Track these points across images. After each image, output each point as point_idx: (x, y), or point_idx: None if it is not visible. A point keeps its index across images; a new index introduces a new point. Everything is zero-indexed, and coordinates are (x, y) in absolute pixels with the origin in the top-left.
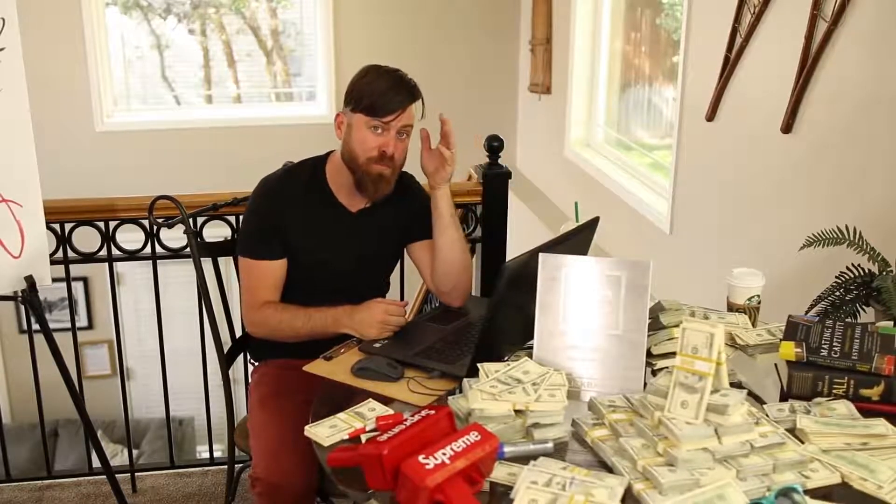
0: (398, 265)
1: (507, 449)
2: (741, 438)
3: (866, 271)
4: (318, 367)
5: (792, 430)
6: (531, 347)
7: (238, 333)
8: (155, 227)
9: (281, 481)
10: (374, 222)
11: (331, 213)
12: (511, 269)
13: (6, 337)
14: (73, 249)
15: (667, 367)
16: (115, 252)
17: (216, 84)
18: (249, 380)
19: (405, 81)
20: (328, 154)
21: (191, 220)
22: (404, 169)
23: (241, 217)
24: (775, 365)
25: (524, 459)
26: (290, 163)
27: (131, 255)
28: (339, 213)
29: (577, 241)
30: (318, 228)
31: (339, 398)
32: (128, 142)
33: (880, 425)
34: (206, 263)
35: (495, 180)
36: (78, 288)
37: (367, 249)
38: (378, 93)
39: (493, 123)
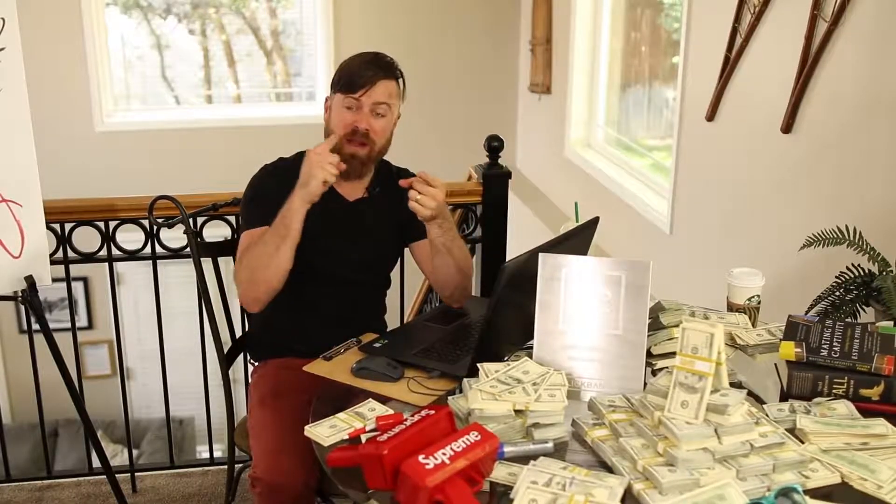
0: (398, 264)
1: (507, 449)
2: (741, 438)
3: (866, 271)
4: (317, 367)
5: (792, 430)
6: (531, 347)
7: (238, 333)
8: (155, 227)
9: (281, 481)
10: (370, 212)
11: (327, 199)
12: (511, 269)
13: (6, 337)
14: (73, 249)
15: (667, 367)
16: (115, 252)
17: (216, 84)
18: (249, 380)
19: (379, 58)
20: None
21: (191, 220)
22: (406, 166)
23: (240, 217)
24: (775, 365)
25: (524, 459)
26: None
27: (131, 255)
28: (335, 200)
29: (577, 241)
30: (315, 213)
31: (339, 398)
32: (128, 142)
33: (880, 425)
34: (206, 263)
35: (495, 180)
36: (78, 288)
37: (365, 239)
38: (351, 69)
39: (493, 123)
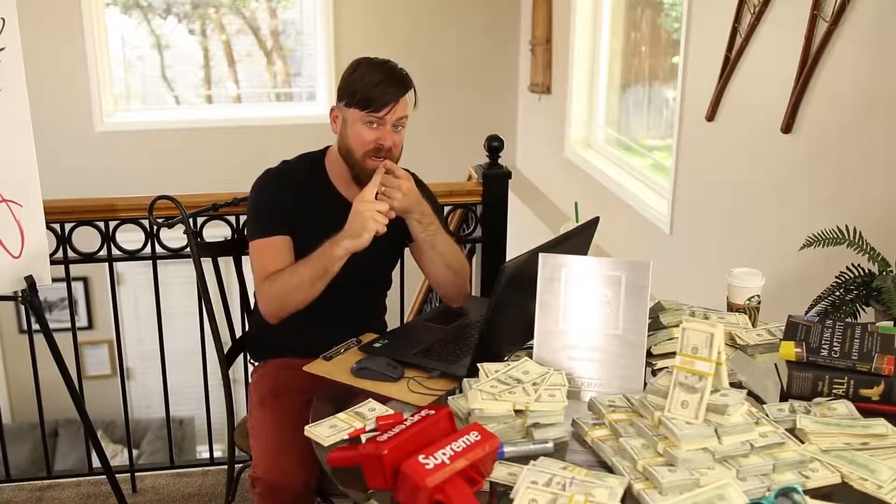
0: (399, 264)
1: (507, 449)
2: (741, 438)
3: (866, 271)
4: (317, 367)
5: (792, 430)
6: (531, 347)
7: (238, 333)
8: (155, 227)
9: (281, 481)
10: None
11: (331, 202)
12: (511, 269)
13: (6, 337)
14: (73, 249)
15: (667, 367)
16: (115, 252)
17: (216, 84)
18: (249, 380)
19: (396, 72)
20: (326, 148)
21: (191, 220)
22: (406, 166)
23: (241, 217)
24: (775, 365)
25: (524, 459)
26: None
27: (131, 255)
28: (339, 203)
29: (577, 241)
30: (318, 216)
31: (339, 398)
32: (128, 142)
33: (880, 425)
34: (206, 263)
35: (495, 180)
36: (78, 288)
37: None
38: (370, 86)
39: (493, 123)
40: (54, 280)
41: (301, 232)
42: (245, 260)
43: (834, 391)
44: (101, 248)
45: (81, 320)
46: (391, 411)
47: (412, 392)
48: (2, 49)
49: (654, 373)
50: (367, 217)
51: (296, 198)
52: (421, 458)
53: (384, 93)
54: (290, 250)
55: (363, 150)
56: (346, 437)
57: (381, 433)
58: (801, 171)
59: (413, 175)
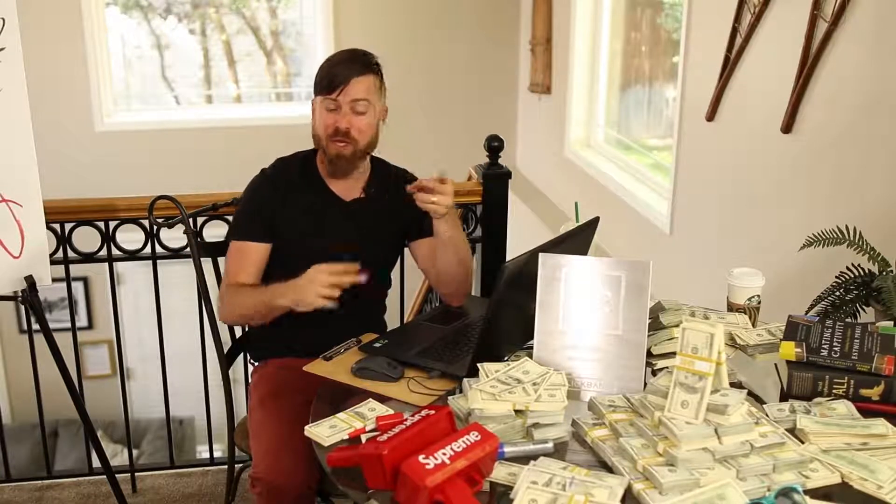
0: (398, 264)
1: (507, 449)
2: (741, 438)
3: (866, 271)
4: (317, 367)
5: (792, 430)
6: (531, 347)
7: (238, 333)
8: (155, 227)
9: (281, 481)
10: (368, 212)
11: (323, 200)
12: (511, 269)
13: (6, 337)
14: (73, 249)
15: (667, 367)
16: (115, 252)
17: (216, 84)
18: (249, 380)
19: (357, 55)
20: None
21: (191, 220)
22: (406, 166)
23: (233, 218)
24: (775, 365)
25: (524, 459)
26: None
27: (131, 255)
28: (331, 200)
29: (577, 241)
30: (312, 213)
31: (339, 398)
32: (128, 142)
33: (880, 425)
34: (206, 263)
35: (495, 180)
36: (78, 288)
37: (363, 238)
38: (327, 69)
39: (493, 123)
40: (54, 280)
41: (286, 229)
42: None
43: (834, 391)
44: (101, 248)
45: (81, 320)
46: (391, 411)
47: (412, 392)
48: (2, 49)
49: (654, 373)
50: (316, 289)
51: (285, 198)
52: (421, 458)
53: (338, 74)
54: (263, 260)
55: (325, 134)
56: (346, 437)
57: (381, 433)
58: (801, 171)
59: (412, 175)
